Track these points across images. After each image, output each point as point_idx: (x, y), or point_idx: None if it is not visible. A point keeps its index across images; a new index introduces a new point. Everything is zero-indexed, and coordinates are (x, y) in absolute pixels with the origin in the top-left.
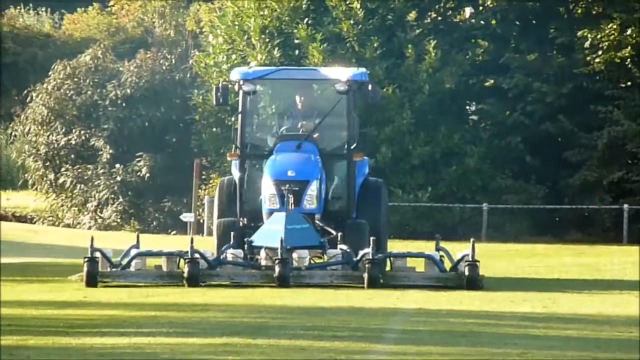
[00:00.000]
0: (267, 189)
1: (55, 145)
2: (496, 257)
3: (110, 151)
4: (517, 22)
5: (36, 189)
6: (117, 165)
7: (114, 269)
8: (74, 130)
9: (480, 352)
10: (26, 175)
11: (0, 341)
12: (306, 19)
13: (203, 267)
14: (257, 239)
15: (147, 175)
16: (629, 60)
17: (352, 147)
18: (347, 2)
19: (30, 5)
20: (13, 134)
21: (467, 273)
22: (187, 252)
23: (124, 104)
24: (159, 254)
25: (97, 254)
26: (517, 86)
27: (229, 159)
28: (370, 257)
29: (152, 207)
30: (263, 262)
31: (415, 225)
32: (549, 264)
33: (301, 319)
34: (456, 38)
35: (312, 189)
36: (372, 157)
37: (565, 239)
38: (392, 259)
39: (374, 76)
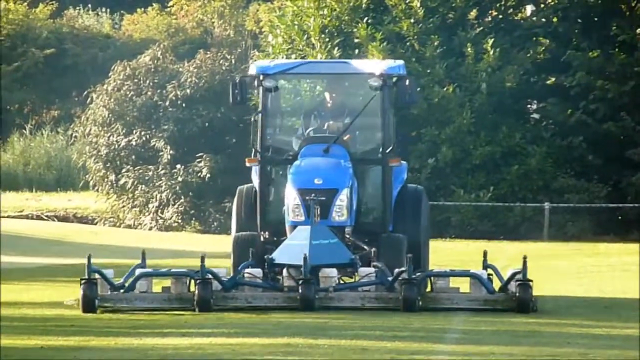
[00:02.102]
0: (291, 199)
1: (116, 147)
2: (558, 257)
3: (171, 152)
4: (579, 20)
5: (97, 190)
6: (178, 166)
7: (115, 292)
8: (134, 131)
9: (542, 351)
10: (87, 176)
11: (0, 341)
12: (366, 18)
13: (217, 289)
14: (279, 256)
15: (208, 176)
16: None
17: (387, 151)
18: (407, 1)
19: (90, 6)
20: (73, 135)
21: (518, 294)
22: (198, 272)
23: (184, 105)
24: (166, 274)
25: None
26: (579, 84)
27: (247, 164)
28: (407, 276)
29: (212, 207)
30: (285, 283)
31: (476, 225)
32: (610, 263)
33: (362, 320)
34: (517, 36)
35: (342, 199)
36: (433, 157)
37: (627, 238)
38: (433, 278)
39: (434, 75)
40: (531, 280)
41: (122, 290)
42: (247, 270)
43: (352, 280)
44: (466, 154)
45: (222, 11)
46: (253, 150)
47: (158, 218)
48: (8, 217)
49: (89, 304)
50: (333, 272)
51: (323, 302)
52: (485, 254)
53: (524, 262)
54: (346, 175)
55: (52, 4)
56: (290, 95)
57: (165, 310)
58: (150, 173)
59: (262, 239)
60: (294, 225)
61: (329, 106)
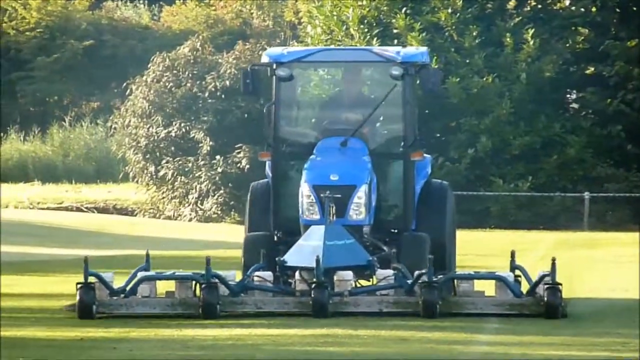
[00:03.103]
0: (305, 196)
1: (155, 138)
2: (597, 246)
3: (210, 143)
4: (617, 9)
5: (137, 181)
6: (217, 157)
7: (114, 297)
8: (173, 123)
9: (583, 341)
10: (126, 167)
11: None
12: (404, 9)
13: (225, 293)
14: (291, 257)
15: (247, 166)
16: None
17: (409, 144)
18: None
19: None
20: (113, 126)
21: (546, 298)
22: (204, 275)
23: (223, 96)
24: (170, 278)
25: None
26: (617, 74)
27: (260, 159)
28: (428, 279)
29: None
30: (298, 287)
31: (516, 215)
32: None
33: None
34: (555, 26)
35: (360, 196)
36: (472, 147)
37: None
38: (456, 281)
39: (473, 66)
40: (560, 284)
41: (122, 295)
42: (256, 273)
43: (370, 283)
44: (505, 144)
45: (261, 2)
46: (266, 143)
47: (197, 209)
48: (48, 208)
49: (86, 310)
50: (349, 275)
51: (337, 308)
52: (513, 254)
53: (553, 265)
54: (365, 171)
55: None
56: (306, 84)
57: (169, 317)
58: (190, 164)
59: (275, 239)
60: (308, 225)
61: (347, 96)
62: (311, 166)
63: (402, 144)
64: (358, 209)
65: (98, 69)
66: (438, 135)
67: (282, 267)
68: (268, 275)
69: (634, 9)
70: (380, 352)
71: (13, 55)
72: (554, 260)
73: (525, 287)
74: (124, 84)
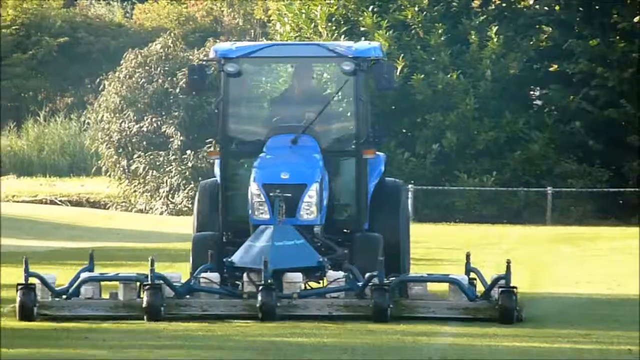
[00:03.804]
0: (255, 196)
1: (128, 133)
2: (560, 241)
3: (181, 138)
4: (580, 8)
5: (109, 175)
6: (188, 152)
7: (57, 299)
8: (145, 118)
9: (546, 332)
10: (99, 162)
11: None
12: (372, 7)
13: (170, 296)
14: (239, 258)
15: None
16: None
17: (362, 142)
18: None
19: None
20: (86, 121)
21: (500, 302)
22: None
23: (194, 92)
24: (113, 279)
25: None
26: (580, 72)
27: (208, 157)
28: (379, 281)
29: None
30: (246, 289)
31: (481, 210)
32: (613, 247)
33: None
34: (520, 24)
35: (311, 195)
36: (437, 143)
37: (629, 222)
38: (409, 284)
39: (439, 63)
40: (515, 287)
41: (64, 297)
42: (203, 274)
43: (320, 285)
44: (470, 139)
45: (231, 0)
46: (214, 141)
47: (169, 202)
48: (23, 201)
49: (26, 312)
50: (298, 276)
51: (286, 310)
52: (468, 256)
53: (508, 267)
54: (316, 169)
55: None
56: (255, 80)
57: (113, 319)
58: (161, 159)
59: (224, 239)
60: (258, 225)
61: (297, 92)
62: (261, 164)
63: (355, 141)
64: (309, 209)
65: (72, 65)
66: (404, 130)
67: (230, 268)
68: (215, 276)
69: (597, 7)
70: (348, 343)
71: None
72: (508, 262)
73: (481, 289)
74: (97, 80)
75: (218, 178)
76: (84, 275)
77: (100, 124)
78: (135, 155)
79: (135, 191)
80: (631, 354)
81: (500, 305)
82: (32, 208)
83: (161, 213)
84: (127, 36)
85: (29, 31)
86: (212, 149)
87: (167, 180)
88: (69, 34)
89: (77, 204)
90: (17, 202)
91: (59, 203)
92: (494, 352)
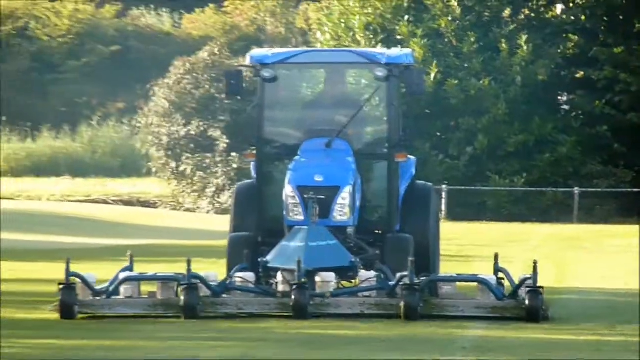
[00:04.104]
0: (289, 197)
1: (176, 136)
2: (586, 239)
3: (227, 141)
4: (605, 18)
5: (159, 176)
6: (233, 154)
7: (97, 297)
8: (193, 122)
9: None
10: (149, 163)
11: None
12: (407, 16)
13: (207, 295)
14: (274, 258)
15: None
16: None
17: (393, 145)
18: (445, 0)
19: (152, 6)
20: (137, 125)
21: (527, 302)
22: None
23: (238, 97)
24: (152, 279)
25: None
26: (605, 78)
27: (245, 159)
28: (409, 281)
29: None
30: (280, 288)
31: (511, 209)
32: (635, 244)
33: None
34: (548, 33)
35: (344, 197)
36: (470, 145)
37: None
38: (438, 283)
39: (471, 69)
40: (542, 287)
41: (104, 296)
42: (238, 274)
43: (352, 285)
44: (501, 142)
45: (274, 10)
46: (251, 144)
47: (215, 202)
48: (77, 201)
49: (67, 310)
50: (331, 276)
51: (318, 309)
52: (496, 257)
53: (535, 267)
54: (349, 172)
55: (117, 4)
56: (290, 85)
57: (151, 317)
58: (208, 160)
59: (259, 240)
60: (292, 225)
61: (331, 97)
62: (295, 167)
63: (387, 145)
64: (342, 210)
65: (123, 72)
66: (438, 133)
67: (264, 268)
68: (250, 276)
69: (621, 17)
70: (385, 335)
71: (46, 59)
72: (535, 263)
73: (508, 289)
74: (148, 86)
75: (254, 180)
76: (123, 275)
77: (150, 127)
78: (183, 157)
79: (183, 191)
80: None
81: (527, 305)
82: (85, 207)
83: (207, 212)
84: (175, 45)
85: (83, 40)
86: (249, 151)
87: (213, 181)
88: (120, 43)
89: (128, 203)
90: (71, 201)
91: (111, 202)
92: (523, 344)
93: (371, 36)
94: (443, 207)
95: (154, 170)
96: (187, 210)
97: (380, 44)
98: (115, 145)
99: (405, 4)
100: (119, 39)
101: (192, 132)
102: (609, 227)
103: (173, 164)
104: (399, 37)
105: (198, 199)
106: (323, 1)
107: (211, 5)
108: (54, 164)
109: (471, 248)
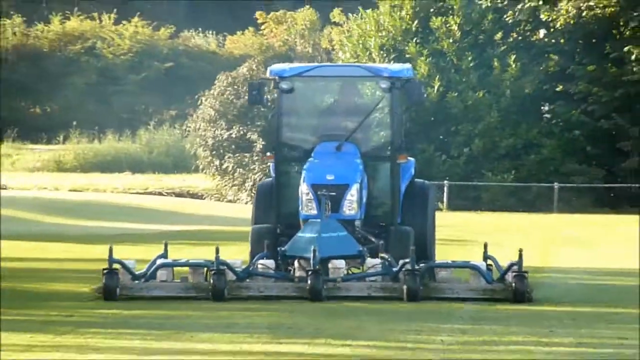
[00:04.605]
0: (304, 194)
1: (220, 138)
2: (565, 226)
3: (263, 142)
4: (580, 41)
5: (205, 172)
6: (268, 153)
7: (136, 281)
8: (234, 127)
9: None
10: (197, 161)
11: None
12: (415, 39)
13: (232, 279)
14: (291, 248)
15: None
16: None
17: (396, 148)
18: (447, 25)
19: (200, 29)
20: (187, 129)
21: (514, 285)
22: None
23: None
24: (185, 265)
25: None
26: (580, 91)
27: (265, 160)
28: (411, 267)
29: None
30: (296, 274)
31: (502, 201)
32: (607, 231)
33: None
34: (533, 53)
35: (352, 194)
36: (468, 147)
37: (619, 211)
38: (436, 269)
39: (469, 83)
40: (527, 272)
41: (143, 280)
42: (260, 261)
43: (360, 271)
44: (494, 145)
45: (303, 33)
46: (271, 147)
47: (252, 194)
48: (136, 193)
49: (110, 293)
50: (341, 263)
51: (331, 292)
52: (485, 246)
53: (520, 255)
54: (357, 172)
55: (171, 27)
56: (305, 96)
57: (182, 299)
58: (247, 159)
59: (278, 231)
60: (307, 219)
61: (341, 106)
62: (310, 167)
63: (390, 148)
64: (351, 205)
65: (176, 84)
66: (441, 137)
67: (283, 256)
68: (270, 263)
69: (594, 40)
70: (396, 308)
71: (110, 73)
72: (521, 251)
73: (496, 274)
74: (196, 97)
75: (273, 179)
76: (159, 261)
77: (198, 131)
78: (225, 157)
79: (225, 185)
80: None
81: (514, 287)
82: (143, 199)
83: (246, 203)
84: (219, 62)
85: (142, 57)
86: (269, 154)
87: (251, 176)
88: (173, 60)
89: (179, 195)
90: (131, 194)
91: (165, 194)
92: (511, 316)
93: (385, 55)
94: (445, 200)
95: (200, 167)
96: (229, 201)
97: (392, 62)
98: (168, 146)
99: (414, 28)
100: (171, 57)
101: (233, 135)
102: (584, 216)
103: (217, 162)
104: (408, 56)
105: (238, 191)
106: (344, 25)
107: (250, 29)
108: (117, 162)
109: (469, 234)
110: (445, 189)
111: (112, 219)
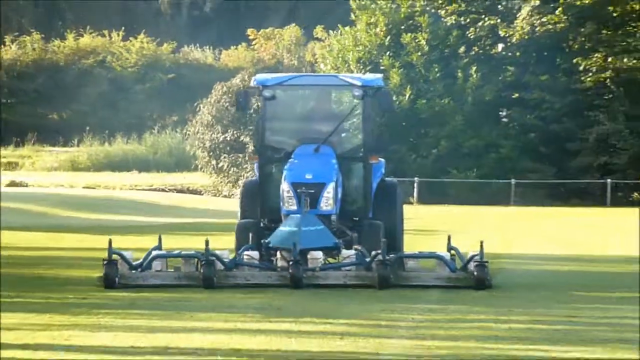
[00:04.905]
0: (285, 192)
1: (216, 141)
2: (519, 217)
3: (254, 145)
4: (534, 54)
5: (203, 171)
6: (253, 154)
7: (133, 271)
8: (229, 131)
9: (513, 282)
10: (196, 161)
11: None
12: (388, 52)
13: (221, 269)
14: (274, 240)
15: None
16: (609, 80)
17: (368, 150)
18: (417, 40)
19: (198, 44)
20: (187, 133)
21: (475, 273)
22: (204, 253)
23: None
24: (177, 256)
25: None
26: (534, 99)
27: (250, 161)
28: (382, 257)
29: None
30: (279, 264)
31: (466, 195)
32: (559, 221)
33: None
34: (492, 65)
35: (329, 191)
36: (435, 148)
37: (569, 203)
38: (405, 259)
39: (436, 92)
40: (487, 262)
41: (139, 270)
42: (246, 252)
43: (336, 261)
44: (458, 145)
45: (290, 47)
46: (255, 149)
47: None
48: (142, 189)
49: (110, 282)
50: (319, 254)
51: (310, 280)
52: (449, 238)
53: (481, 246)
54: (332, 171)
55: (173, 43)
56: (286, 103)
57: (175, 287)
58: (240, 159)
59: (262, 225)
60: (288, 214)
61: (318, 112)
62: (290, 167)
63: (362, 150)
64: (327, 202)
65: (177, 93)
66: (411, 139)
67: (266, 248)
68: (255, 254)
69: (545, 53)
70: (374, 290)
71: (119, 84)
72: (482, 243)
73: (459, 264)
74: (195, 104)
75: (257, 177)
76: (154, 253)
77: (197, 135)
78: (221, 157)
79: (221, 182)
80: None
81: (476, 276)
82: (148, 194)
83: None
84: (215, 73)
85: (147, 70)
86: (254, 155)
87: (244, 174)
88: (174, 72)
89: (180, 191)
90: (138, 190)
91: (167, 190)
92: (475, 298)
93: (361, 67)
94: (415, 194)
95: (199, 166)
96: (224, 196)
97: (368, 73)
98: (170, 148)
99: (387, 43)
100: (173, 69)
101: (228, 138)
102: (538, 208)
103: (214, 162)
104: (382, 68)
105: (232, 188)
106: (326, 40)
107: (243, 44)
108: (125, 162)
109: (437, 225)
110: (416, 185)
111: (120, 212)
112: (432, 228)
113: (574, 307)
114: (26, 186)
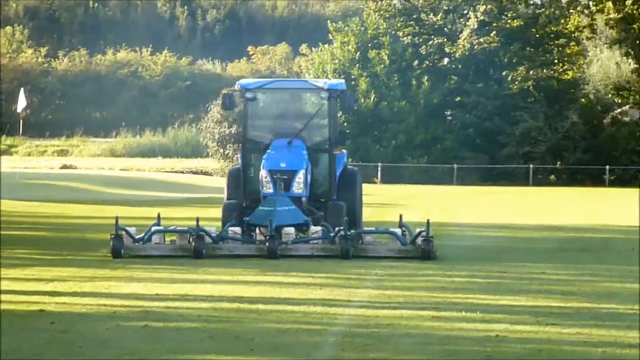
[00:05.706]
0: (264, 177)
1: (224, 134)
2: (461, 196)
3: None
4: (472, 67)
5: (213, 157)
6: (236, 146)
7: (136, 244)
8: (234, 126)
9: (454, 256)
10: (208, 150)
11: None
12: (357, 65)
13: (209, 242)
14: (253, 218)
15: None
16: (531, 87)
17: (332, 144)
18: (380, 56)
19: (210, 58)
20: (200, 128)
21: (423, 247)
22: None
23: (231, 110)
24: (173, 231)
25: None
26: (472, 102)
27: (235, 152)
28: (344, 233)
29: None
30: (258, 238)
31: (418, 177)
32: (492, 198)
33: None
34: (440, 75)
35: (300, 177)
36: (394, 140)
37: (499, 184)
38: (363, 234)
39: (394, 97)
40: (432, 237)
41: (141, 242)
42: (231, 228)
43: (305, 236)
44: (412, 138)
45: (281, 60)
46: (239, 142)
47: None
48: (165, 172)
49: (117, 253)
50: (291, 230)
51: (284, 252)
52: (400, 217)
53: (427, 223)
54: (303, 160)
55: (189, 57)
56: (265, 103)
57: (172, 257)
58: None
59: (244, 205)
60: (265, 196)
61: (292, 111)
62: (268, 157)
63: (328, 143)
64: (299, 186)
65: (193, 97)
66: (376, 133)
67: (247, 225)
68: (238, 230)
69: (482, 66)
70: (340, 260)
71: (147, 89)
72: (428, 220)
73: (408, 239)
74: (207, 105)
75: (240, 166)
76: (154, 228)
77: (208, 129)
78: (227, 146)
79: (227, 166)
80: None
81: (423, 249)
82: (170, 176)
83: None
84: (223, 81)
85: (169, 78)
86: (237, 147)
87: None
88: (191, 80)
89: (195, 173)
90: (162, 172)
91: (185, 172)
92: (418, 266)
93: (337, 76)
94: (379, 176)
95: (210, 154)
96: None
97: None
98: (187, 139)
99: (357, 58)
100: (190, 78)
101: (233, 132)
102: (474, 187)
103: (222, 150)
104: (353, 77)
105: None
106: (309, 55)
107: (244, 58)
108: (152, 150)
109: (395, 200)
110: (379, 169)
111: (149, 189)
112: (392, 202)
113: (504, 265)
114: (75, 169)
